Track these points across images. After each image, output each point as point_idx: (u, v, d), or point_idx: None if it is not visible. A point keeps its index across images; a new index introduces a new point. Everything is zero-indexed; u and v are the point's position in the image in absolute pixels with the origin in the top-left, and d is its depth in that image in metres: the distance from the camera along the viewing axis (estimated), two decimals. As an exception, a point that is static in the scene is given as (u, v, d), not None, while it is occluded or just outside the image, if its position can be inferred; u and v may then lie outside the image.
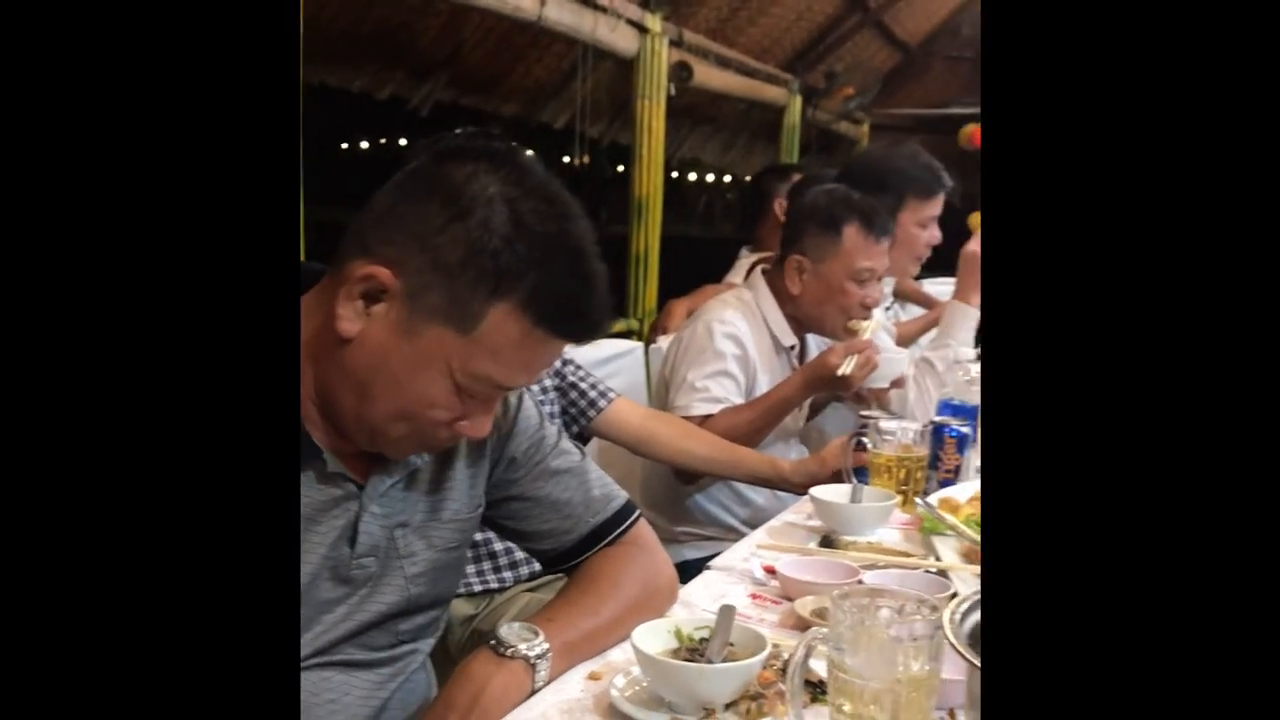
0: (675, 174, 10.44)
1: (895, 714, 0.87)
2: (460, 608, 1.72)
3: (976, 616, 0.79)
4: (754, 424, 2.08)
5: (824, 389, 2.15)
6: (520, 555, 1.78)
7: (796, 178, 2.82)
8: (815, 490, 1.65)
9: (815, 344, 2.33)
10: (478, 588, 1.76)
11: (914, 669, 0.87)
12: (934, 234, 2.63)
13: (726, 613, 1.07)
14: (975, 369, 2.10)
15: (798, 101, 5.28)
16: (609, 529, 1.22)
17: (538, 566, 1.76)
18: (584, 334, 1.04)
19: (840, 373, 2.03)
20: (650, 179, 3.62)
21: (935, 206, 2.61)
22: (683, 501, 2.24)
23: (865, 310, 2.19)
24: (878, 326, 2.23)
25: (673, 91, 3.71)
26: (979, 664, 0.71)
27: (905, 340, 2.90)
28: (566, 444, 1.25)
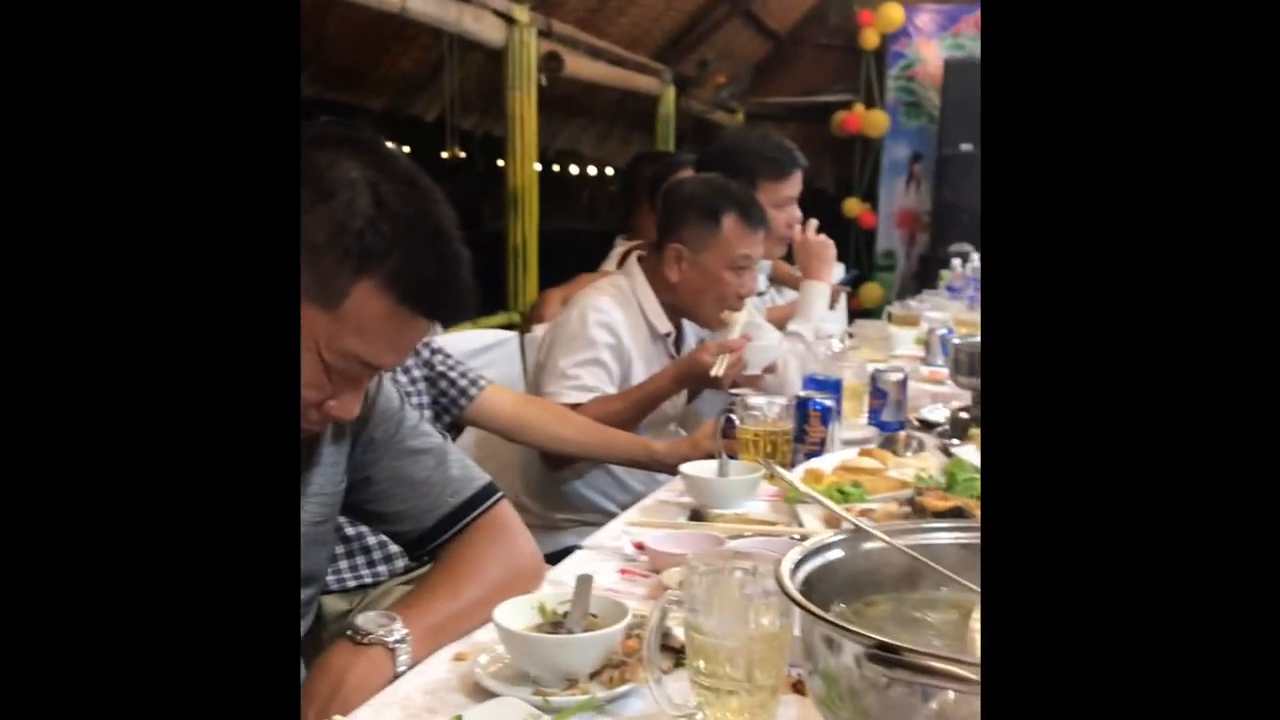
0: (555, 167, 10.38)
1: (749, 671, 0.90)
2: (334, 604, 1.69)
3: (809, 566, 0.82)
4: (624, 414, 2.09)
5: (695, 385, 2.18)
6: (394, 549, 1.76)
7: (670, 165, 2.87)
8: (685, 467, 1.68)
9: (692, 330, 2.35)
10: (351, 583, 1.73)
11: (765, 624, 0.90)
12: (793, 214, 2.69)
13: (584, 582, 1.07)
14: (838, 344, 2.16)
15: (671, 91, 5.33)
16: (469, 509, 1.23)
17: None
18: (447, 313, 1.06)
19: (712, 374, 2.07)
20: (524, 170, 3.61)
21: (790, 187, 2.67)
22: (561, 488, 2.24)
23: (740, 301, 2.22)
24: (748, 319, 2.27)
25: (544, 82, 3.70)
26: (815, 610, 0.73)
27: (777, 324, 2.97)
28: (426, 427, 1.26)
